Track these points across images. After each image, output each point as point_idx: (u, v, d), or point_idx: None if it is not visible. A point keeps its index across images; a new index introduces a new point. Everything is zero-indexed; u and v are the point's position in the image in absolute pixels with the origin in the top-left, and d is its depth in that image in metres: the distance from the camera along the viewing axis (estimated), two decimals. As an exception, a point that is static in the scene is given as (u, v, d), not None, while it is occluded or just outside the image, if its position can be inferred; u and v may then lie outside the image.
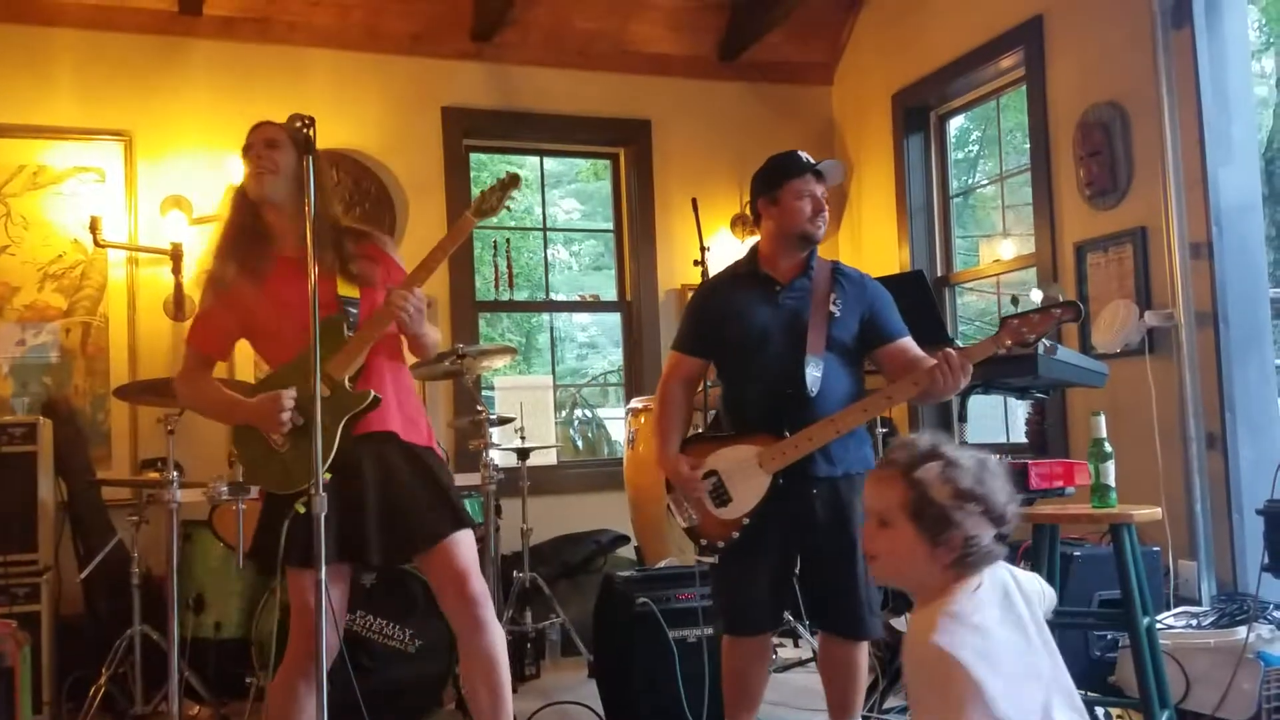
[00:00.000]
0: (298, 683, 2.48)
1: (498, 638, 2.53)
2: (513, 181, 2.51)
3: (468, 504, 4.13)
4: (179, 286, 4.72)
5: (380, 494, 2.47)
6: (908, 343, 2.84)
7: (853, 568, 2.75)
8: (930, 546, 1.60)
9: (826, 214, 2.85)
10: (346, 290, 2.52)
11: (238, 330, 2.62)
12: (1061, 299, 2.49)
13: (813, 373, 2.73)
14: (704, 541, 2.86)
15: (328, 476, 2.29)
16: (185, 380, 2.63)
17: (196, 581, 3.87)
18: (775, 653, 4.33)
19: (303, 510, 2.28)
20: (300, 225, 2.43)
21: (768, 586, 2.84)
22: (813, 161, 2.87)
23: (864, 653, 2.86)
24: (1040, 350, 2.95)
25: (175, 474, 3.49)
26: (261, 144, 2.54)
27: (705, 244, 4.29)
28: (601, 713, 3.56)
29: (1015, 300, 3.20)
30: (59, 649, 4.00)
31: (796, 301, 2.84)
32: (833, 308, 2.80)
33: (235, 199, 2.61)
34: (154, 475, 3.76)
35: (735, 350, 2.89)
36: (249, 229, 2.56)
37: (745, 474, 2.78)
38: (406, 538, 2.50)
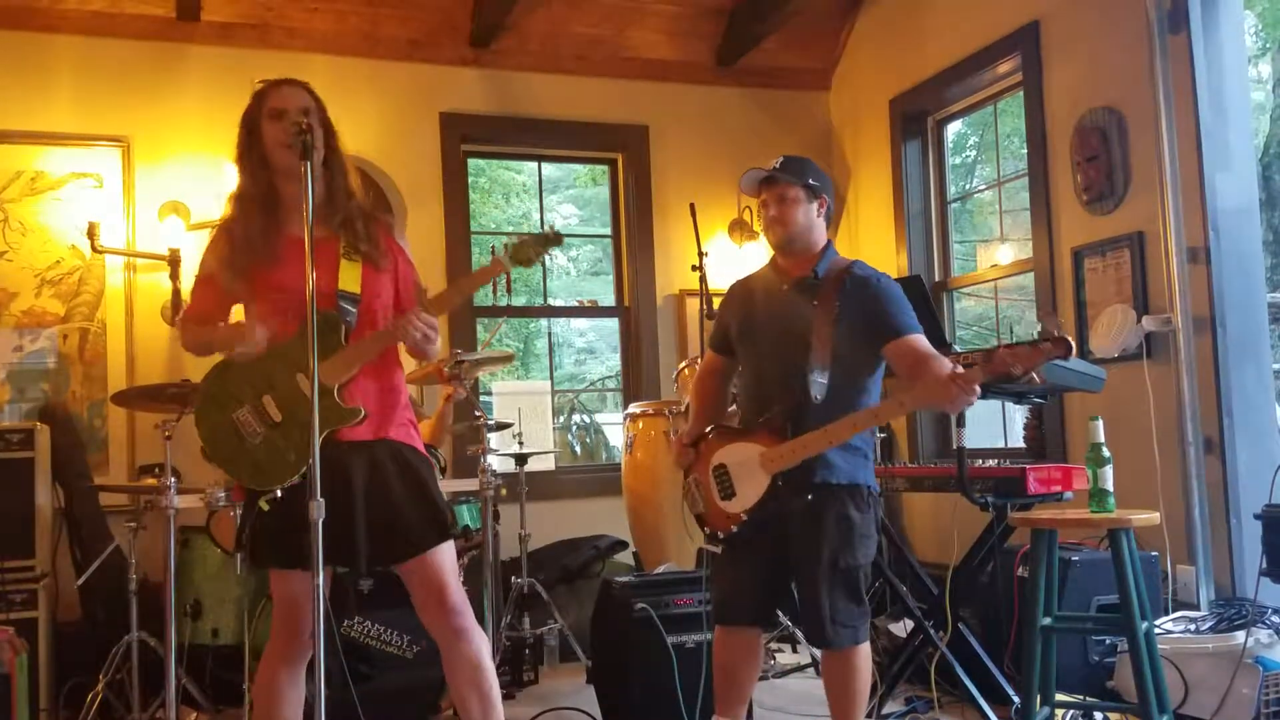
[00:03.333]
0: (279, 670, 2.48)
1: (481, 644, 2.50)
2: (555, 239, 2.44)
3: (466, 510, 4.15)
4: (176, 292, 4.72)
5: (367, 499, 2.44)
6: (912, 341, 2.76)
7: (815, 576, 2.75)
8: None
9: (779, 215, 2.88)
10: (347, 282, 2.45)
11: (234, 299, 2.56)
12: (1057, 333, 2.47)
13: (817, 379, 2.74)
14: (707, 530, 2.92)
15: (295, 480, 2.30)
16: (184, 327, 2.64)
17: (194, 588, 3.87)
18: (774, 658, 4.34)
19: (266, 508, 2.31)
20: (315, 200, 2.36)
21: (756, 582, 2.88)
22: (763, 170, 2.92)
23: (853, 662, 2.80)
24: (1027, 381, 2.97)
25: (173, 480, 3.48)
26: (297, 112, 2.42)
27: (703, 249, 4.29)
28: (599, 718, 3.56)
29: (1011, 330, 3.22)
30: (56, 655, 3.99)
31: (799, 301, 2.85)
32: (837, 311, 2.78)
33: (251, 164, 2.50)
34: (151, 481, 3.75)
35: (742, 347, 2.99)
36: (260, 199, 2.49)
37: (749, 471, 2.81)
38: (389, 546, 2.47)
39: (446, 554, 2.50)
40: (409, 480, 2.48)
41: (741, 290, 3.06)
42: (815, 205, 2.90)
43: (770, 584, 2.89)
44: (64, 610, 4.20)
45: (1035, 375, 2.77)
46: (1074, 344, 2.49)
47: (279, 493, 2.35)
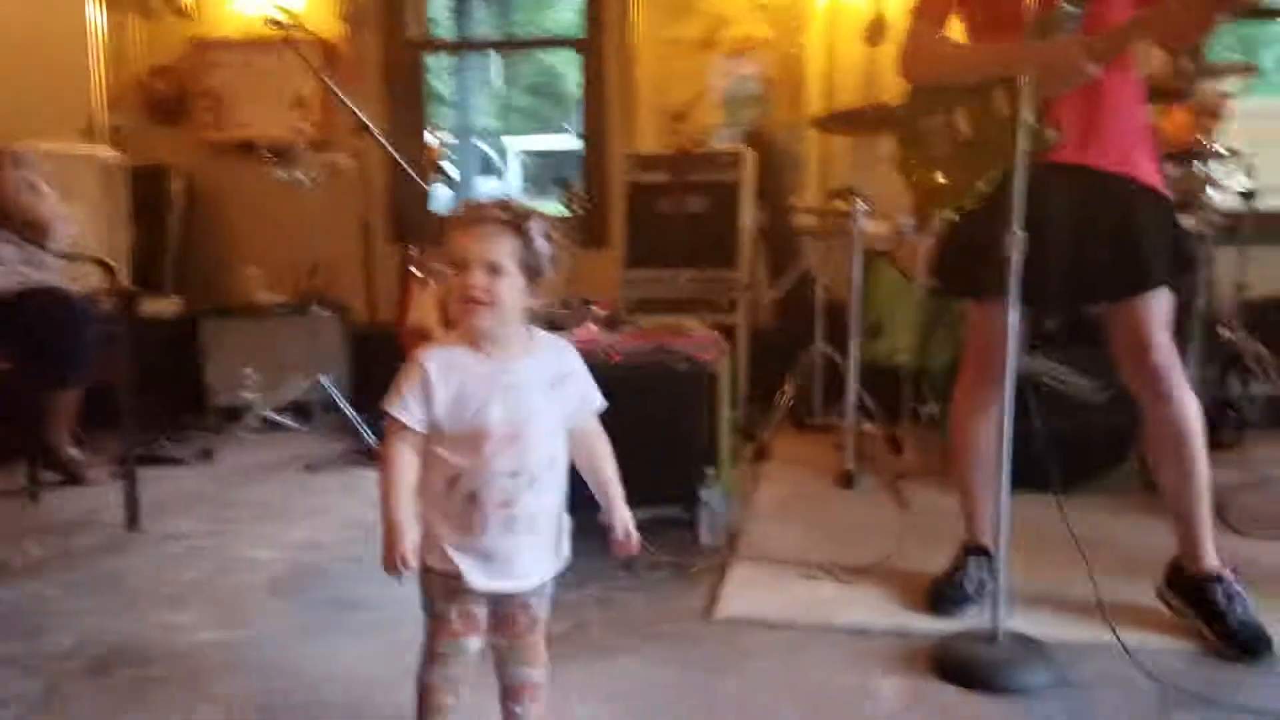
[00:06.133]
0: (972, 403, 2.41)
1: (1186, 410, 2.19)
2: None
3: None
4: (878, 14, 4.59)
5: (1062, 234, 2.18)
6: None
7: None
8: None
9: None
10: None
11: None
12: None
13: None
14: None
15: (971, 205, 2.15)
16: (918, 48, 2.38)
17: (874, 309, 3.94)
18: None
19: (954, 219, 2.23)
20: None
21: None
22: None
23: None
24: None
25: (861, 204, 3.48)
26: None
27: None
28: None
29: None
30: (752, 358, 4.39)
31: None
32: None
33: None
34: (841, 205, 3.81)
35: None
36: None
37: None
38: (1081, 289, 2.23)
39: (1149, 307, 2.18)
40: (1116, 218, 2.18)
41: None
42: None
43: None
44: (761, 318, 4.58)
45: None
46: None
47: (957, 215, 2.26)
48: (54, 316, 3.04)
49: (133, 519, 3.18)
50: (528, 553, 1.63)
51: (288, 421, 4.46)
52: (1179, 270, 2.21)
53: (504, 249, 1.56)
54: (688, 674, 2.13)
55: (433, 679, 1.67)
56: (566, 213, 3.87)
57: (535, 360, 1.64)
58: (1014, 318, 2.05)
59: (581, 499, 1.71)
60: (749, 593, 2.53)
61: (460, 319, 1.58)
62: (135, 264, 4.55)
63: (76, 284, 3.40)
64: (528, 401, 1.60)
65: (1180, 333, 2.38)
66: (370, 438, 3.89)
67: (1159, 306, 2.19)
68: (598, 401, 1.70)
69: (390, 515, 1.58)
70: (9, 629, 2.43)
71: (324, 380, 4.30)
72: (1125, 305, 2.20)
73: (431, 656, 1.67)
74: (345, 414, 4.17)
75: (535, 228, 1.58)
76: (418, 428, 1.59)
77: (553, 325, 3.59)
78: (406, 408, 1.58)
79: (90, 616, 2.49)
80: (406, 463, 1.60)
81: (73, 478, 3.14)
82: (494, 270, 1.55)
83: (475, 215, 1.58)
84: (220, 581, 2.73)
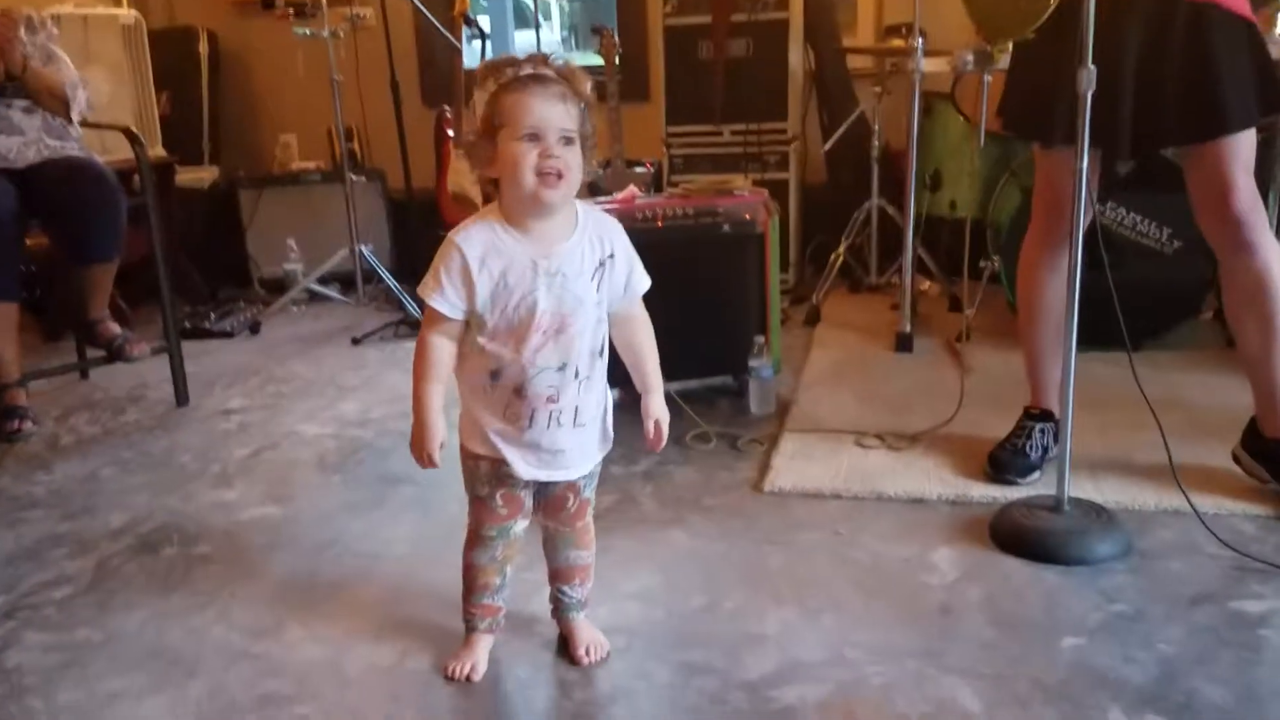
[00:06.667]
0: (1040, 253, 2.27)
1: (1267, 260, 2.03)
2: None
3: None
4: None
5: (1140, 68, 2.00)
6: None
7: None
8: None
9: None
10: None
11: None
12: None
13: None
14: None
15: (1030, 34, 1.93)
16: None
17: (934, 158, 3.74)
18: None
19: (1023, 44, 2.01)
20: None
21: None
22: None
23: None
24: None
25: (919, 40, 3.25)
26: None
27: None
28: None
29: None
30: (803, 215, 4.21)
31: None
32: None
33: None
34: (898, 43, 3.57)
35: None
36: None
37: None
38: (1156, 128, 2.04)
39: (1229, 148, 2.00)
40: (1194, 51, 1.98)
41: None
42: None
43: None
44: (811, 173, 4.38)
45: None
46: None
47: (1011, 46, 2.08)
48: (78, 188, 2.94)
49: (181, 395, 3.18)
50: (574, 443, 1.56)
51: (331, 293, 4.42)
52: (1265, 107, 2.01)
53: (574, 115, 1.42)
54: (737, 547, 2.08)
55: (478, 559, 1.64)
56: (603, 63, 3.65)
57: (581, 242, 1.50)
58: (1084, 163, 1.89)
59: (627, 374, 1.63)
60: (800, 464, 2.45)
61: (534, 195, 1.43)
62: (168, 131, 4.45)
63: (105, 155, 3.30)
64: (573, 290, 1.48)
65: (1264, 176, 2.20)
66: (413, 308, 3.84)
67: (1240, 148, 2.01)
68: (643, 284, 1.58)
69: (419, 412, 1.51)
70: (61, 507, 2.44)
71: (365, 250, 4.23)
72: (1203, 147, 2.02)
73: (476, 538, 1.63)
74: (388, 284, 4.11)
75: (589, 91, 1.45)
76: (455, 316, 1.49)
77: (594, 190, 3.47)
78: (443, 295, 1.47)
79: (140, 494, 2.49)
80: (441, 353, 1.51)
81: (116, 354, 3.11)
82: (569, 140, 1.42)
83: (538, 76, 1.42)
84: (268, 457, 2.72)
